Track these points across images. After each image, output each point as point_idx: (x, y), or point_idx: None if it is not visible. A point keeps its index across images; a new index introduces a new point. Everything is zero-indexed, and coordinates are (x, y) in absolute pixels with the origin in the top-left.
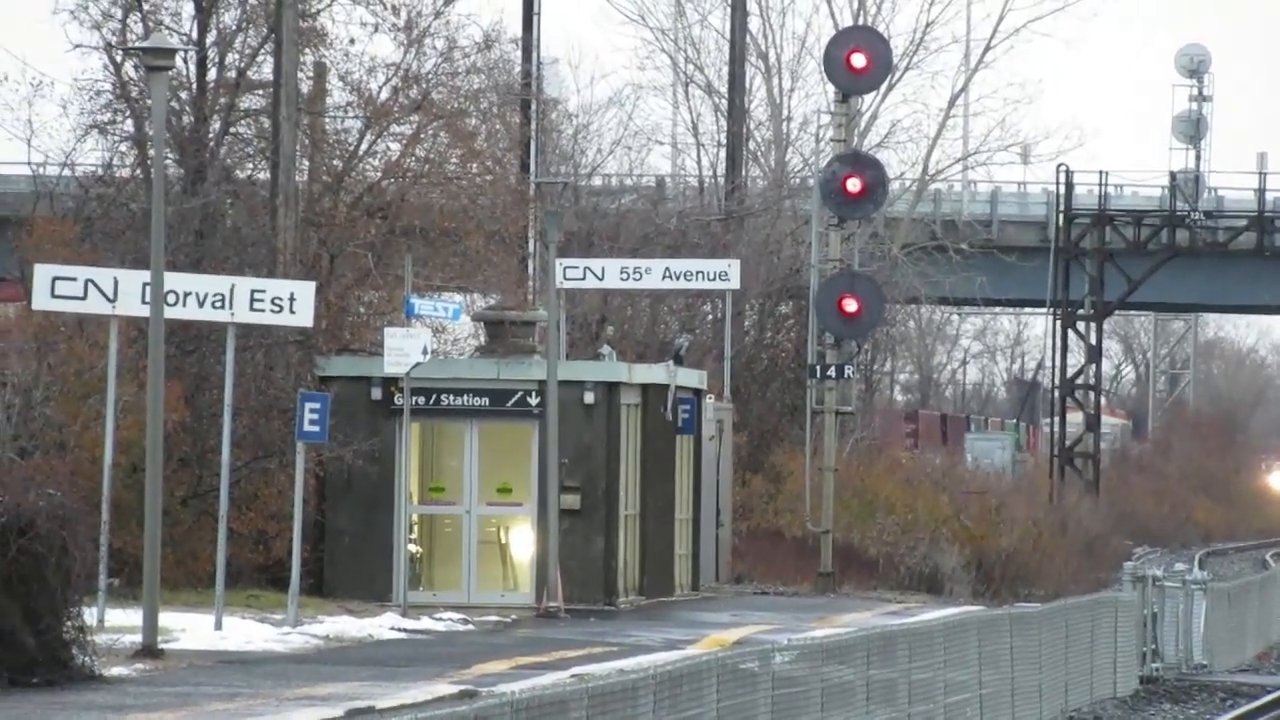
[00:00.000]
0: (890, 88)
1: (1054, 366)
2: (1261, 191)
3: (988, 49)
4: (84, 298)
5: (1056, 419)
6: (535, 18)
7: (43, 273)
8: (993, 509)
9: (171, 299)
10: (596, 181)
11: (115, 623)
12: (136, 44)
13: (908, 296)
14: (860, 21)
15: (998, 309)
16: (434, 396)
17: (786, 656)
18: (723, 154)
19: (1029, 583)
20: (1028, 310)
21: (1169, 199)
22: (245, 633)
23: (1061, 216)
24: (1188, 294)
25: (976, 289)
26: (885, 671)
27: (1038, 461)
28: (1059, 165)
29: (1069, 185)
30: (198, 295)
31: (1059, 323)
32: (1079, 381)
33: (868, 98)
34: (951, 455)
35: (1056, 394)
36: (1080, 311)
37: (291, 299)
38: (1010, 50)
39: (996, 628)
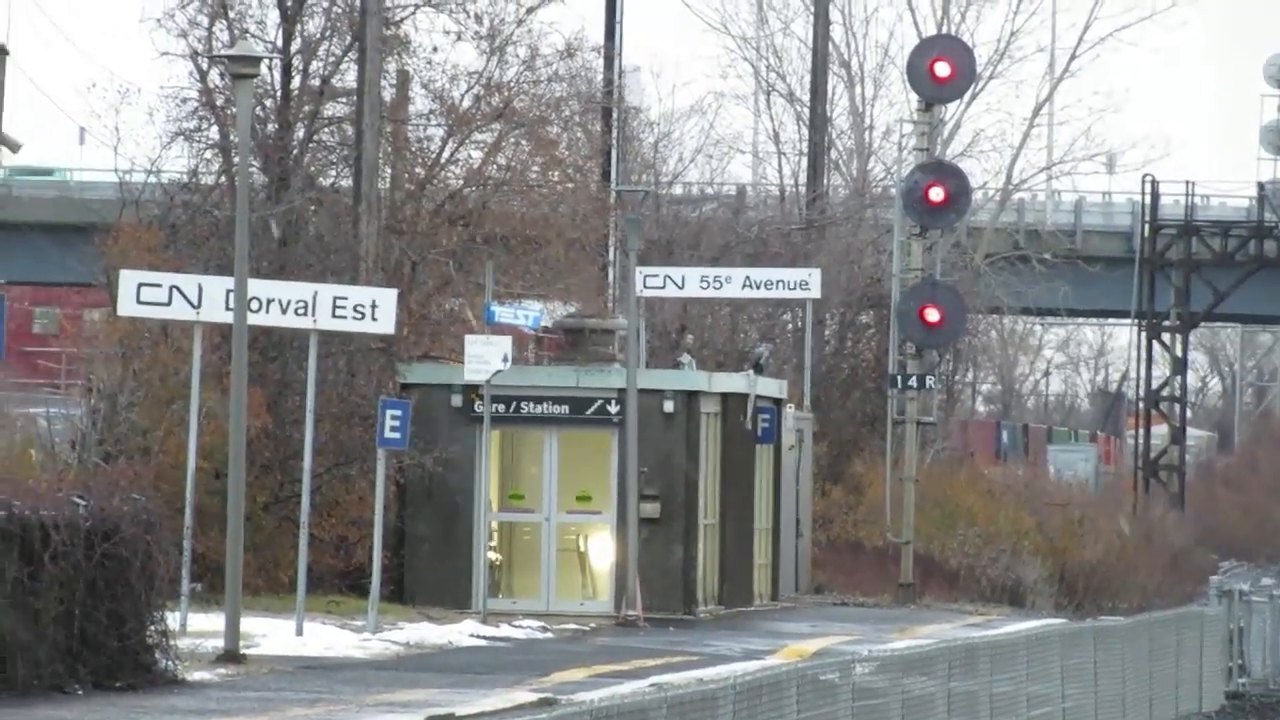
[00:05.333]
0: (974, 97)
1: (1139, 378)
2: None
3: (1073, 58)
4: (168, 304)
5: (1141, 431)
6: (617, 26)
7: (128, 279)
8: (1075, 521)
9: (255, 305)
10: (677, 190)
11: (197, 627)
12: (222, 52)
13: (990, 306)
14: (944, 30)
15: (1081, 320)
16: (514, 404)
17: (867, 668)
18: (804, 162)
19: (1113, 596)
20: (1112, 321)
21: (1256, 210)
22: (326, 638)
23: (1147, 227)
24: (1275, 306)
25: (1060, 299)
26: (967, 684)
27: (1119, 474)
28: (1144, 175)
29: (1155, 195)
30: (281, 302)
31: (1144, 334)
32: (1164, 393)
33: (951, 106)
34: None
35: (1141, 406)
36: (1165, 323)
37: (373, 306)
38: (1096, 59)
39: (1079, 641)
